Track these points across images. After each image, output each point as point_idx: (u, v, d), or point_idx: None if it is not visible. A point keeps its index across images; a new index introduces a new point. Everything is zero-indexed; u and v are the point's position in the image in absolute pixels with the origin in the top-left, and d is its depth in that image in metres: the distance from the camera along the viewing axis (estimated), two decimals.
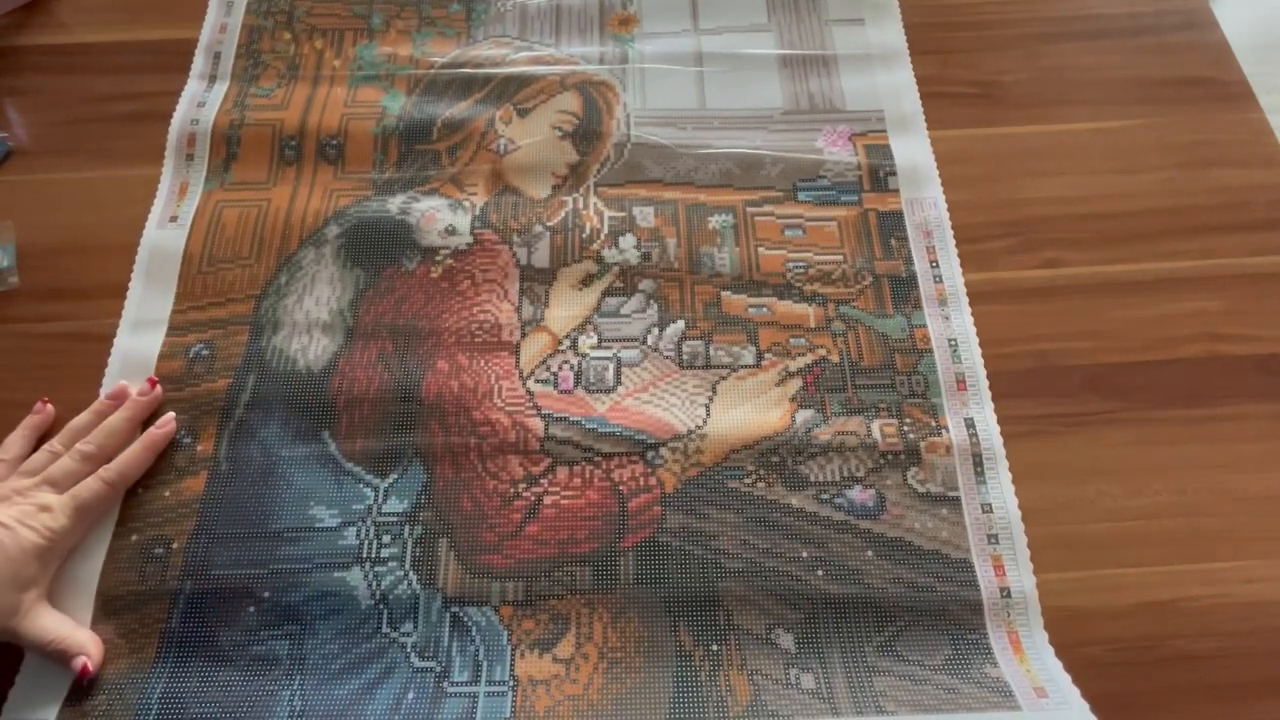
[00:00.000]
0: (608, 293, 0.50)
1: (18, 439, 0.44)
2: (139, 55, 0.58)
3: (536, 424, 0.45)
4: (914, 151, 0.54)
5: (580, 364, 0.47)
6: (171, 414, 0.46)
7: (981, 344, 0.48)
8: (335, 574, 0.42)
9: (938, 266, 0.50)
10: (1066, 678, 0.39)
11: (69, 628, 0.40)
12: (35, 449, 0.44)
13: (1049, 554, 0.43)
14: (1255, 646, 0.41)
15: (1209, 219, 0.52)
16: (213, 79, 0.57)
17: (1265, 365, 0.48)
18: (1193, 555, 0.43)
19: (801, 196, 0.53)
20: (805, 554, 0.42)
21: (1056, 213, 0.52)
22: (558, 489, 0.44)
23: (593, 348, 0.48)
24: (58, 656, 0.39)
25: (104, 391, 0.47)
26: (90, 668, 0.39)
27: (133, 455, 0.44)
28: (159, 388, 0.46)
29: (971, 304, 0.49)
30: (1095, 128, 0.56)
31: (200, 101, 0.56)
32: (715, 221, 0.52)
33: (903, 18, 0.60)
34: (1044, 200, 0.53)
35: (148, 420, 0.46)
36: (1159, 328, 0.49)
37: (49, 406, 0.46)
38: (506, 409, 0.46)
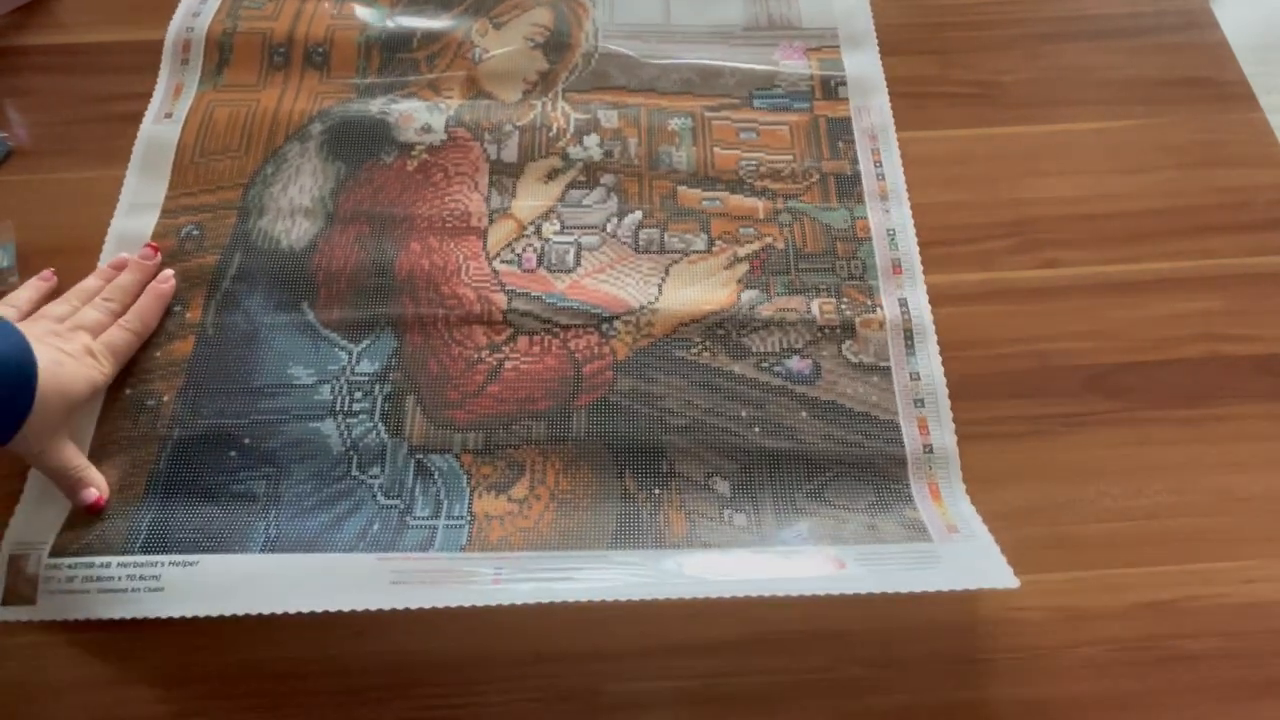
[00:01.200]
0: (571, 185, 0.53)
1: (25, 292, 0.47)
2: (139, 55, 0.59)
3: (500, 298, 0.49)
4: (864, 65, 0.57)
5: (543, 247, 0.51)
6: (170, 271, 0.49)
7: (982, 344, 0.49)
8: (310, 424, 0.45)
9: (881, 166, 0.53)
10: (977, 516, 0.42)
11: (84, 461, 0.43)
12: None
13: (1049, 554, 0.43)
14: (1255, 646, 0.41)
15: (1209, 219, 0.53)
16: None
17: (1265, 365, 0.48)
18: (1193, 555, 0.43)
19: (757, 104, 0.56)
20: (744, 413, 0.46)
21: (1056, 213, 0.53)
22: (518, 355, 0.47)
23: (555, 233, 0.51)
24: (71, 486, 0.42)
25: (103, 262, 0.50)
26: (102, 501, 0.43)
27: (147, 306, 0.48)
28: (159, 254, 0.50)
29: (971, 304, 0.50)
30: (1095, 128, 0.56)
31: (195, 12, 0.60)
32: (674, 124, 0.55)
33: (901, 18, 0.61)
34: (1044, 200, 0.53)
35: None
36: (1159, 328, 0.49)
37: (55, 277, 0.49)
38: (473, 285, 0.49)
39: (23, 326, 0.43)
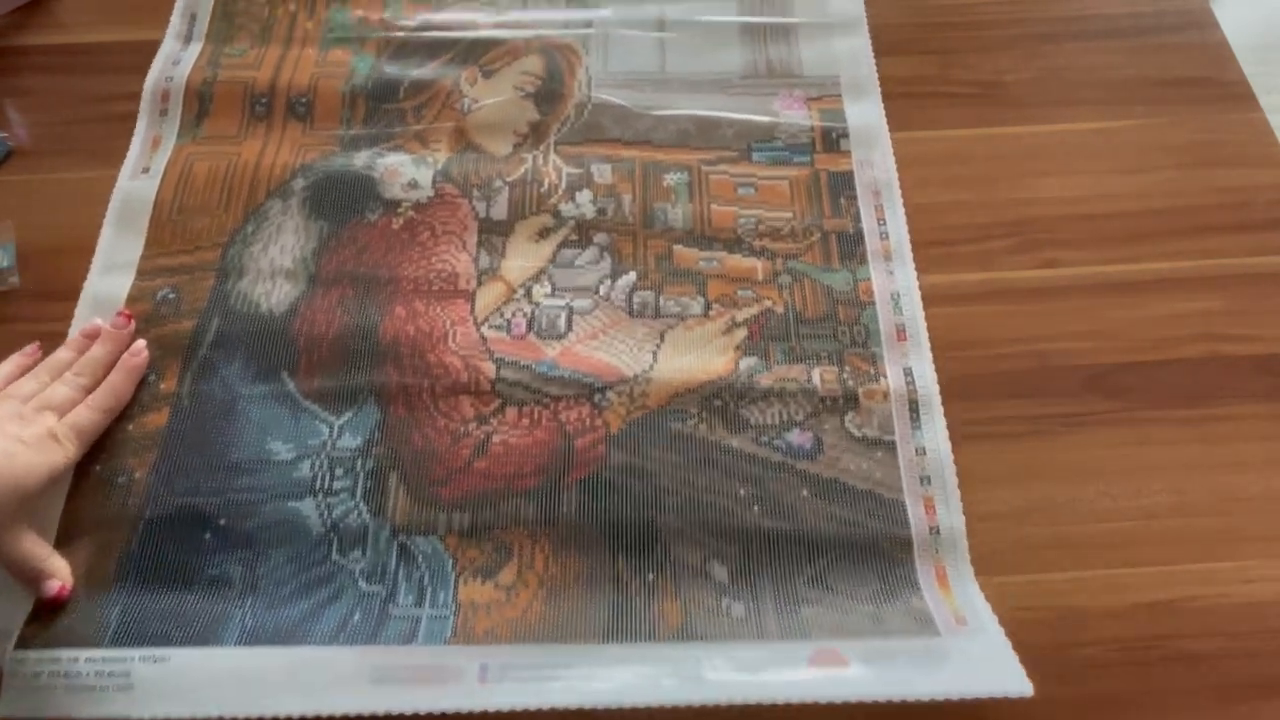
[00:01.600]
0: (563, 245, 0.51)
1: (6, 367, 0.45)
2: (139, 55, 0.59)
3: (488, 367, 0.47)
4: (867, 115, 0.56)
5: (533, 311, 0.49)
6: (143, 342, 0.47)
7: (981, 344, 0.48)
8: (289, 503, 0.43)
9: (885, 224, 0.52)
10: (987, 607, 0.40)
11: (46, 551, 0.41)
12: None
13: (1049, 554, 0.43)
14: (1255, 646, 0.41)
15: (1209, 219, 0.52)
16: (188, 39, 0.59)
17: (1265, 365, 0.48)
18: (1192, 555, 0.43)
19: (755, 157, 0.54)
20: (743, 491, 0.44)
21: (1056, 213, 0.53)
22: (506, 428, 0.45)
23: (546, 296, 0.49)
24: (31, 578, 0.41)
25: (73, 331, 0.49)
26: (66, 591, 0.41)
27: (118, 382, 0.46)
28: (132, 322, 0.48)
29: (971, 304, 0.49)
30: (1095, 128, 0.56)
31: (175, 60, 0.58)
32: (670, 179, 0.53)
33: (901, 18, 0.60)
34: (1044, 200, 0.53)
35: None
36: (1159, 328, 0.49)
37: (39, 352, 0.47)
38: (460, 352, 0.47)
39: None
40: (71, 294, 0.50)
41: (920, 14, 0.61)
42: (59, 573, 0.41)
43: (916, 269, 0.51)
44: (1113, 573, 0.43)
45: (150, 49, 0.59)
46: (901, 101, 0.57)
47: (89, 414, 0.44)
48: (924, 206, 0.53)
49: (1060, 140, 0.56)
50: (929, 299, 0.50)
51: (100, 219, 0.52)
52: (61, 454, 0.42)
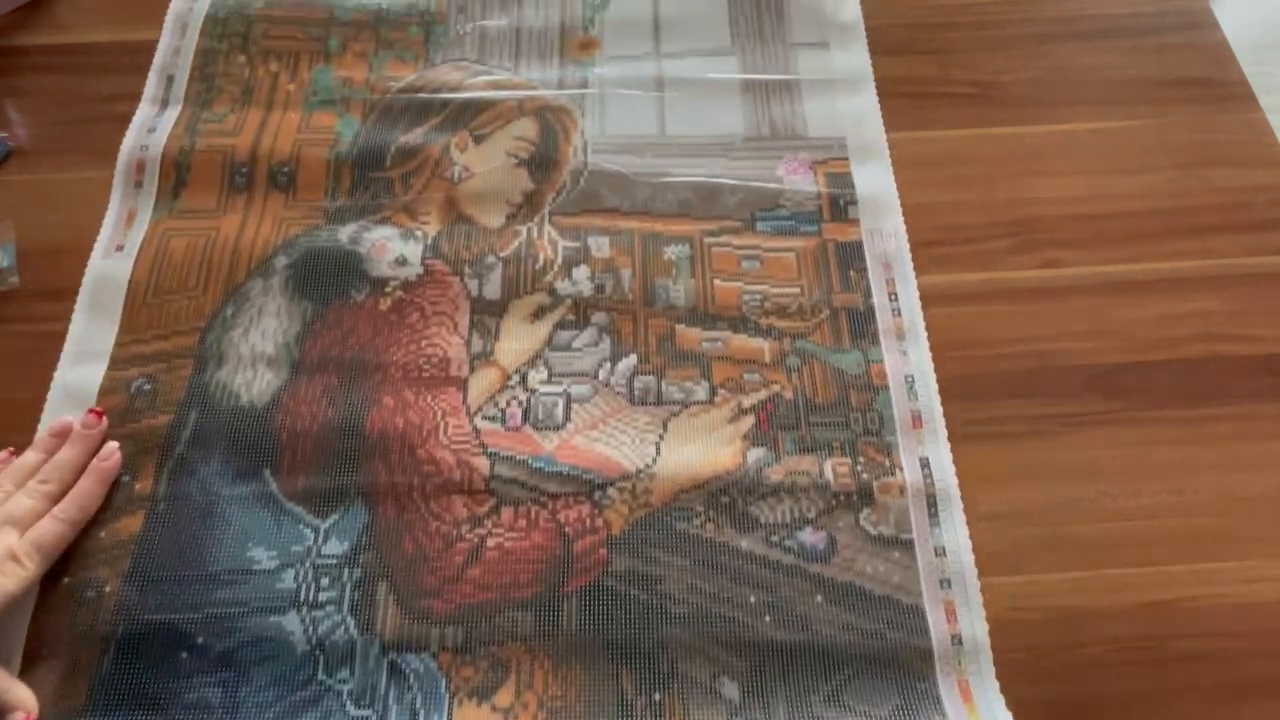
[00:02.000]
0: (560, 325, 0.49)
1: None
2: (139, 55, 0.58)
3: (482, 463, 0.44)
4: (876, 180, 0.53)
5: (529, 400, 0.46)
6: (115, 444, 0.45)
7: (981, 344, 0.48)
8: (271, 618, 0.41)
9: (896, 300, 0.49)
10: None
11: (7, 681, 0.39)
12: None
13: (1049, 554, 0.43)
14: (1255, 646, 0.41)
15: (1209, 219, 0.52)
16: (164, 103, 0.56)
17: (1265, 365, 0.48)
18: (1193, 555, 0.43)
19: (760, 227, 0.52)
20: (753, 599, 0.41)
21: (1056, 213, 0.52)
22: (502, 530, 0.43)
23: (542, 383, 0.47)
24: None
25: (43, 427, 0.46)
26: None
27: (86, 492, 0.43)
28: (105, 420, 0.45)
29: (971, 304, 0.49)
30: (1095, 128, 0.56)
31: (150, 127, 0.55)
32: (671, 252, 0.51)
33: (901, 18, 0.60)
34: (1044, 200, 0.53)
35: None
36: (1159, 328, 0.49)
37: (11, 457, 0.44)
38: (452, 447, 0.45)
39: None
40: (71, 294, 0.50)
41: (919, 14, 0.61)
42: (23, 703, 0.38)
43: (916, 269, 0.50)
44: (1113, 573, 0.43)
45: (150, 49, 0.59)
46: (900, 102, 0.57)
47: (53, 527, 0.41)
48: (924, 207, 0.52)
49: (1060, 140, 0.55)
50: (929, 299, 0.50)
51: (100, 219, 0.52)
52: (21, 575, 0.39)
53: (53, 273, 0.50)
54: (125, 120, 0.56)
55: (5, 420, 0.46)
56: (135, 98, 0.57)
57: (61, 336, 0.48)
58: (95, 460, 0.44)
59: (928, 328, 0.48)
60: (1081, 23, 0.60)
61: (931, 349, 0.48)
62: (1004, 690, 0.40)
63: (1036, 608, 0.42)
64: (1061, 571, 0.42)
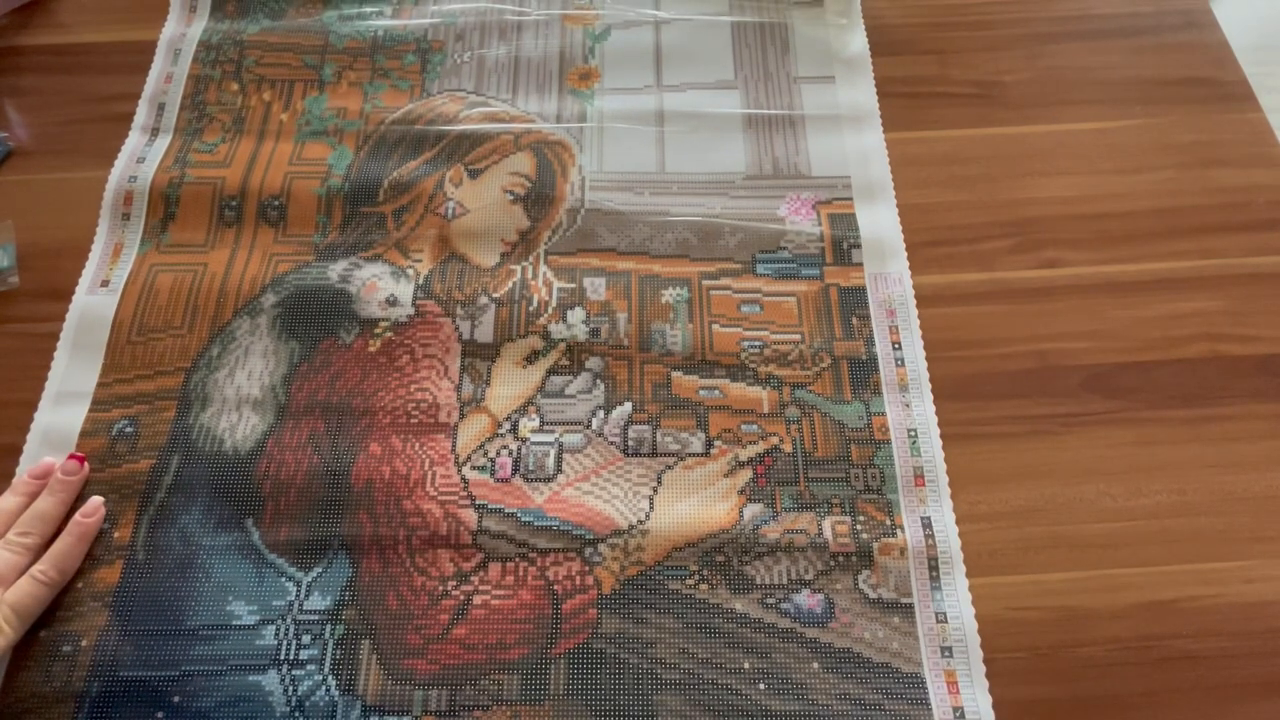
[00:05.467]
0: (553, 371, 0.47)
1: None
2: (139, 55, 0.58)
3: (470, 516, 0.43)
4: (880, 222, 0.52)
5: (520, 450, 0.45)
6: (99, 499, 0.43)
7: (981, 344, 0.48)
8: (250, 677, 0.39)
9: (900, 349, 0.48)
10: None
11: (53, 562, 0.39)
12: None
13: (1049, 554, 0.43)
14: (1255, 646, 0.41)
15: (1209, 219, 0.52)
16: (155, 132, 0.55)
17: (1265, 365, 0.48)
18: (1193, 555, 0.43)
19: (760, 270, 0.50)
20: (747, 665, 0.40)
21: (1056, 213, 0.52)
22: (489, 587, 0.42)
23: (533, 431, 0.46)
24: None
25: (21, 469, 0.45)
26: None
27: (66, 551, 0.42)
28: (86, 466, 0.44)
29: (971, 304, 0.49)
30: (1095, 128, 0.55)
31: (140, 157, 0.54)
32: (669, 295, 0.49)
33: (901, 18, 0.59)
34: (1044, 200, 0.53)
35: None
36: (1159, 328, 0.49)
37: None
38: (439, 498, 0.44)
39: None
40: (71, 294, 0.49)
41: (919, 13, 0.60)
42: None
43: (915, 270, 0.50)
44: (1113, 573, 0.42)
45: (150, 49, 0.58)
46: (900, 101, 0.56)
47: (32, 589, 0.40)
48: (924, 207, 0.52)
49: (1060, 140, 0.55)
50: (929, 299, 0.49)
51: (99, 219, 0.52)
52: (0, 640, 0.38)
53: (53, 273, 0.50)
54: (126, 120, 0.56)
55: (6, 420, 0.46)
56: (135, 97, 0.57)
57: (58, 338, 0.48)
58: (78, 515, 0.42)
59: (925, 327, 0.48)
60: (1081, 23, 0.60)
61: (931, 349, 0.48)
62: (1004, 690, 0.39)
63: (1036, 608, 0.41)
64: (1061, 571, 0.42)
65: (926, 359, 0.47)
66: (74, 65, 0.59)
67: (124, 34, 0.59)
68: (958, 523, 0.43)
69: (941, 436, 0.45)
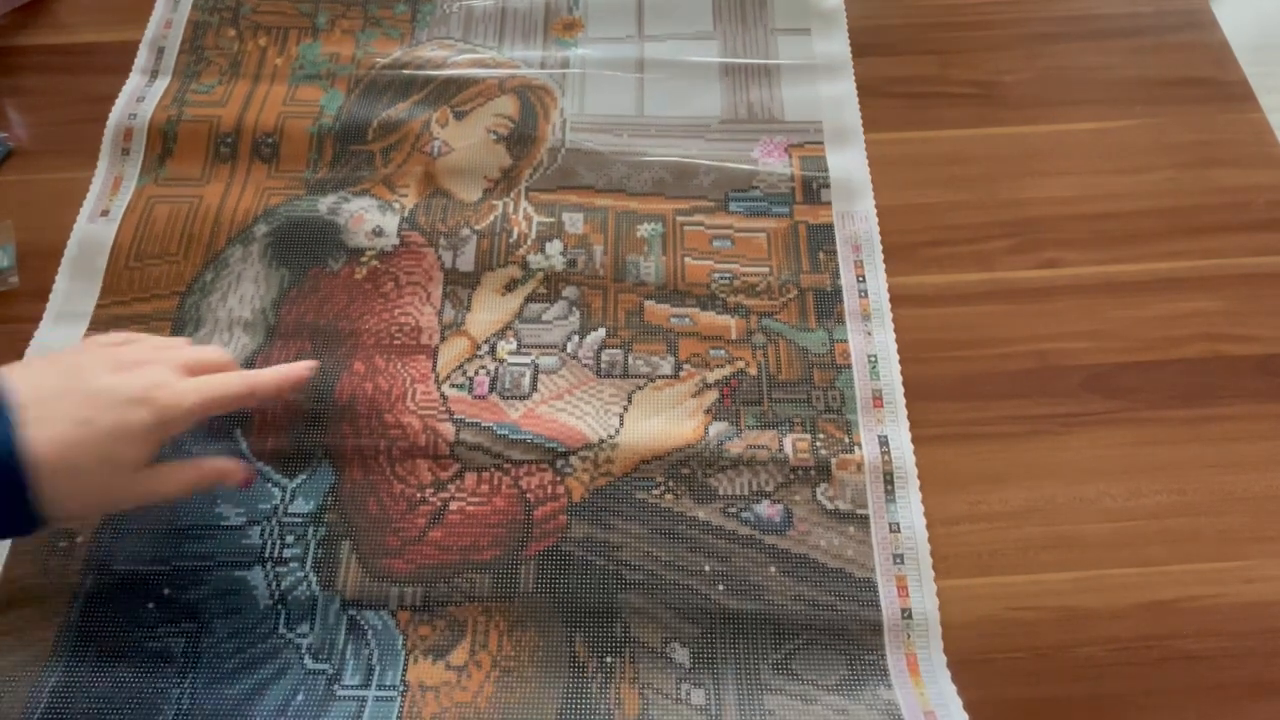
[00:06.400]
0: (530, 298, 0.49)
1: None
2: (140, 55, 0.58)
3: (448, 429, 0.45)
4: (850, 164, 0.54)
5: (497, 370, 0.47)
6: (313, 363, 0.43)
7: (981, 344, 0.48)
8: (236, 573, 0.42)
9: (864, 281, 0.50)
10: (959, 702, 0.38)
11: (191, 473, 0.38)
12: None
13: (1049, 554, 0.43)
14: (1255, 646, 0.41)
15: (1209, 219, 0.52)
16: (154, 74, 0.57)
17: (1265, 365, 0.48)
18: (1193, 555, 0.43)
19: (733, 207, 0.52)
20: (708, 568, 0.42)
21: (1056, 213, 0.52)
22: (464, 495, 0.44)
23: (511, 353, 0.48)
24: (207, 487, 0.39)
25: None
26: (251, 474, 0.41)
27: (273, 371, 0.41)
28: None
29: (971, 304, 0.49)
30: (1095, 128, 0.56)
31: (140, 96, 0.56)
32: (644, 230, 0.51)
33: (902, 18, 0.60)
34: (1044, 200, 0.53)
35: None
36: (1159, 328, 0.49)
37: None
38: (419, 412, 0.46)
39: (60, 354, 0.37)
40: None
41: (919, 14, 0.61)
42: (226, 475, 0.39)
43: (915, 270, 0.50)
44: (1113, 573, 0.43)
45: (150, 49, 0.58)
46: (901, 101, 0.57)
47: (232, 383, 0.38)
48: (923, 206, 0.53)
49: (1060, 140, 0.55)
50: (929, 299, 0.49)
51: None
52: (164, 410, 0.36)
53: (53, 273, 0.50)
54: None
55: None
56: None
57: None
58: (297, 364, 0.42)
59: (925, 327, 0.48)
60: (1081, 23, 0.60)
61: (931, 349, 0.48)
62: (1004, 690, 0.40)
63: (1036, 608, 0.42)
64: (1061, 571, 0.42)
65: (928, 359, 0.48)
66: (74, 65, 0.59)
67: (124, 34, 0.60)
68: (958, 522, 0.43)
69: (942, 436, 0.45)
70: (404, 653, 0.40)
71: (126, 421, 0.35)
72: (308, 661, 0.40)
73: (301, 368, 0.42)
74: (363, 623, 0.41)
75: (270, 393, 0.41)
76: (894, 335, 0.48)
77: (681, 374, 0.47)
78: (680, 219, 0.52)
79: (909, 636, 0.41)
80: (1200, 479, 0.45)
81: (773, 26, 0.59)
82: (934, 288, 0.50)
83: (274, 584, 0.42)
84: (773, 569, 0.42)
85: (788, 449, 0.45)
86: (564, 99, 0.56)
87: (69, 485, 0.34)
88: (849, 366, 0.47)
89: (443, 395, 0.46)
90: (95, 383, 0.36)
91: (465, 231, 0.51)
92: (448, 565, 0.42)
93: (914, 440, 0.45)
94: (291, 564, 0.42)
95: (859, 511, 0.43)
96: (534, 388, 0.47)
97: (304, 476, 0.44)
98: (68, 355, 0.39)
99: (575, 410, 0.46)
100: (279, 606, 0.41)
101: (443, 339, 0.48)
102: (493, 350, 0.48)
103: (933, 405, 0.46)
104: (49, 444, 0.33)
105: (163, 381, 0.37)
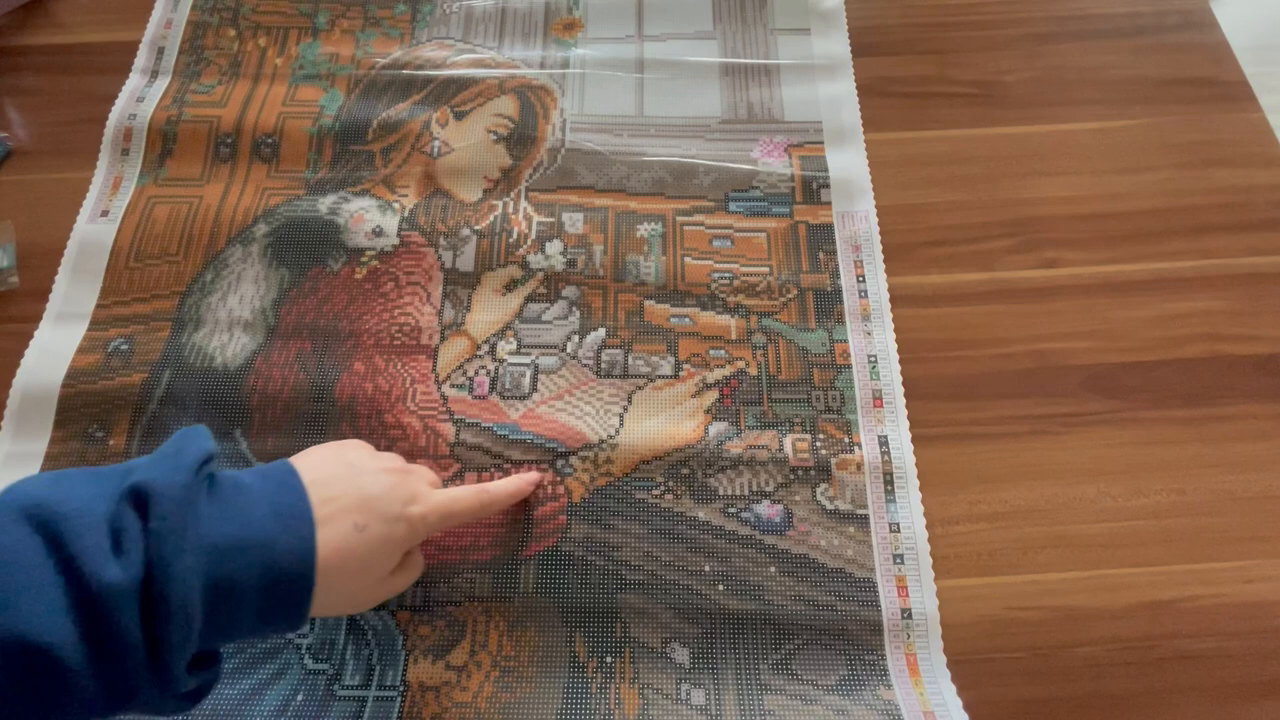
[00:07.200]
0: (530, 298, 0.49)
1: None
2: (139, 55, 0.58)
3: (448, 429, 0.45)
4: (849, 164, 0.54)
5: (497, 370, 0.47)
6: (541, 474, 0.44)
7: (981, 344, 0.48)
8: None
9: (864, 281, 0.50)
10: (958, 703, 0.38)
11: (415, 569, 0.39)
12: None
13: (1049, 554, 0.43)
14: (1255, 646, 0.41)
15: (1209, 219, 0.52)
16: (154, 74, 0.57)
17: (1265, 365, 0.48)
18: (1193, 555, 0.43)
19: (733, 207, 0.52)
20: (708, 568, 0.42)
21: (1056, 213, 0.53)
22: None
23: (511, 353, 0.48)
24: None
25: (14, 395, 0.47)
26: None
27: (506, 483, 0.42)
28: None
29: (971, 304, 0.49)
30: (1095, 128, 0.56)
31: (140, 96, 0.56)
32: (644, 230, 0.51)
33: (901, 18, 0.60)
34: (1044, 200, 0.53)
35: None
36: (1159, 328, 0.49)
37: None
38: (419, 412, 0.46)
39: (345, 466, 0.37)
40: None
41: (919, 13, 0.61)
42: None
43: (916, 270, 0.50)
44: (1113, 573, 0.43)
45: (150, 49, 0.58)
46: (900, 101, 0.57)
47: (467, 497, 0.39)
48: (924, 207, 0.53)
49: (1060, 140, 0.55)
50: (929, 299, 0.50)
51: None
52: (413, 527, 0.37)
53: (53, 273, 0.50)
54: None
55: None
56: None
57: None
58: (528, 471, 0.44)
59: (925, 327, 0.48)
60: (1081, 23, 0.60)
61: (931, 349, 0.48)
62: (1005, 690, 0.40)
63: (1036, 607, 0.42)
64: (1061, 571, 0.43)
65: (928, 358, 0.48)
66: (74, 65, 0.59)
67: (124, 34, 0.60)
68: (958, 522, 0.44)
69: (942, 436, 0.45)
70: (404, 653, 0.40)
71: (392, 534, 0.36)
72: (308, 661, 0.40)
73: (531, 479, 0.43)
74: (362, 623, 0.41)
75: (501, 505, 0.42)
76: (894, 335, 0.48)
77: (681, 374, 0.47)
78: (680, 219, 0.52)
79: (909, 636, 0.41)
80: (1200, 479, 0.45)
81: (772, 26, 0.59)
82: (934, 288, 0.50)
83: None
84: (772, 569, 0.42)
85: (787, 449, 0.45)
86: (564, 99, 0.56)
87: (336, 586, 0.34)
88: (849, 366, 0.47)
89: (443, 395, 0.46)
90: (371, 487, 0.36)
91: (465, 231, 0.51)
92: (447, 565, 0.42)
93: (914, 440, 0.45)
94: None
95: (859, 511, 0.43)
96: (534, 388, 0.47)
97: None
98: (344, 450, 0.38)
99: (575, 410, 0.46)
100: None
101: (443, 339, 0.48)
102: (493, 350, 0.48)
103: (933, 405, 0.46)
104: (328, 546, 0.33)
105: (420, 493, 0.38)
